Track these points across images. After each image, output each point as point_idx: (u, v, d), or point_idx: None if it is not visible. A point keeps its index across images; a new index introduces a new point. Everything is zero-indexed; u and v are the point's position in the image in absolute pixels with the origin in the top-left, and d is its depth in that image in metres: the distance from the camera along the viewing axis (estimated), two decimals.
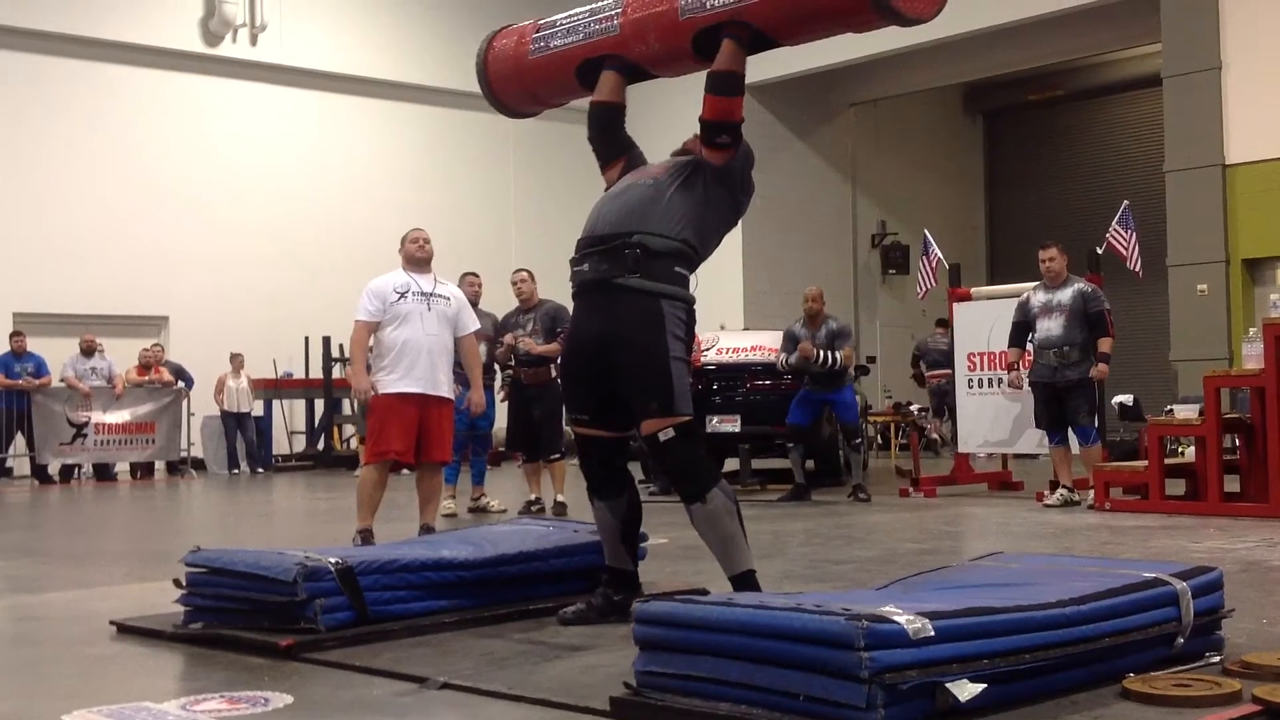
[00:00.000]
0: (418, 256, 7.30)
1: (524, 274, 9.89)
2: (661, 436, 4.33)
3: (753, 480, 11.93)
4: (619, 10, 4.75)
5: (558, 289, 10.69)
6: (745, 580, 4.30)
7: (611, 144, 4.90)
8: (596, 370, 4.46)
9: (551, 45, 4.94)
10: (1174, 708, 3.08)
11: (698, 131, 4.57)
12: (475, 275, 9.89)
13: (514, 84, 5.21)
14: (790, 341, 10.53)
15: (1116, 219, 11.16)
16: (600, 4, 4.86)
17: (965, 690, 2.87)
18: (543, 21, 5.06)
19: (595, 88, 4.86)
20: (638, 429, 4.44)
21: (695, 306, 4.55)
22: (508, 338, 9.73)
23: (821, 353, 10.19)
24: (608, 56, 4.79)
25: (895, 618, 2.87)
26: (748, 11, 4.35)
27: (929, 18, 4.23)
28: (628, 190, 4.58)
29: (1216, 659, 3.54)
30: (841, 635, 2.83)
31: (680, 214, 4.46)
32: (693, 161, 4.57)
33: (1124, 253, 11.00)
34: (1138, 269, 11.14)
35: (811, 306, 10.50)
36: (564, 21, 4.93)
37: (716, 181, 4.54)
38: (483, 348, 8.51)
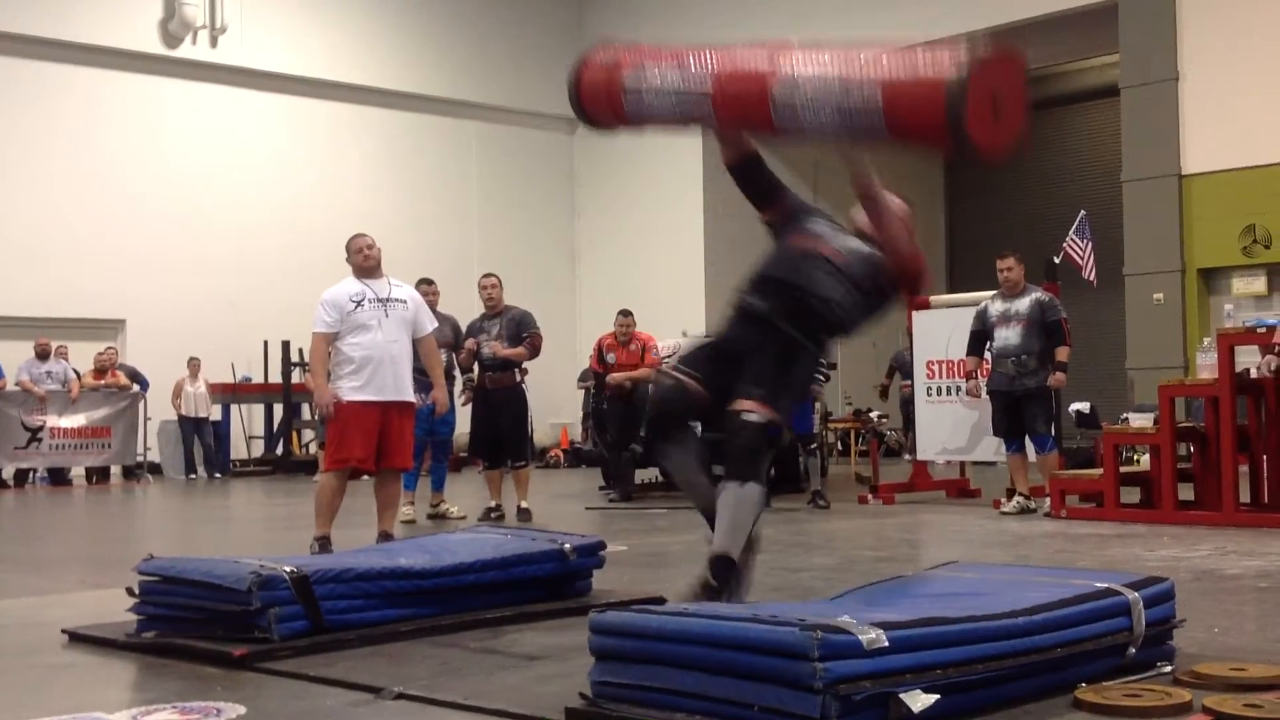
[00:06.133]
0: (365, 266, 7.25)
1: (494, 279, 9.85)
2: (747, 417, 4.29)
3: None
4: (707, 95, 4.66)
5: (521, 294, 10.76)
6: (722, 563, 4.27)
7: (759, 190, 4.88)
8: (744, 347, 4.43)
9: (644, 105, 4.84)
10: (1125, 718, 3.11)
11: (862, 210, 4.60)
12: (430, 283, 9.76)
13: (614, 123, 5.15)
14: None
15: (1073, 229, 11.27)
16: (688, 73, 4.72)
17: (918, 701, 2.88)
18: (629, 76, 4.88)
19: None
20: (731, 405, 4.39)
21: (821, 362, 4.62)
22: (469, 343, 9.71)
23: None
24: None
25: (850, 628, 2.88)
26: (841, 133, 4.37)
27: (1000, 156, 4.25)
28: (813, 247, 4.56)
29: (1168, 669, 3.57)
30: (796, 646, 2.83)
31: (849, 299, 4.48)
32: (878, 265, 4.55)
33: (1080, 262, 11.11)
34: (1093, 278, 11.25)
35: None
36: (652, 79, 4.80)
37: (890, 289, 4.61)
38: (442, 353, 8.46)
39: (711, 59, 4.59)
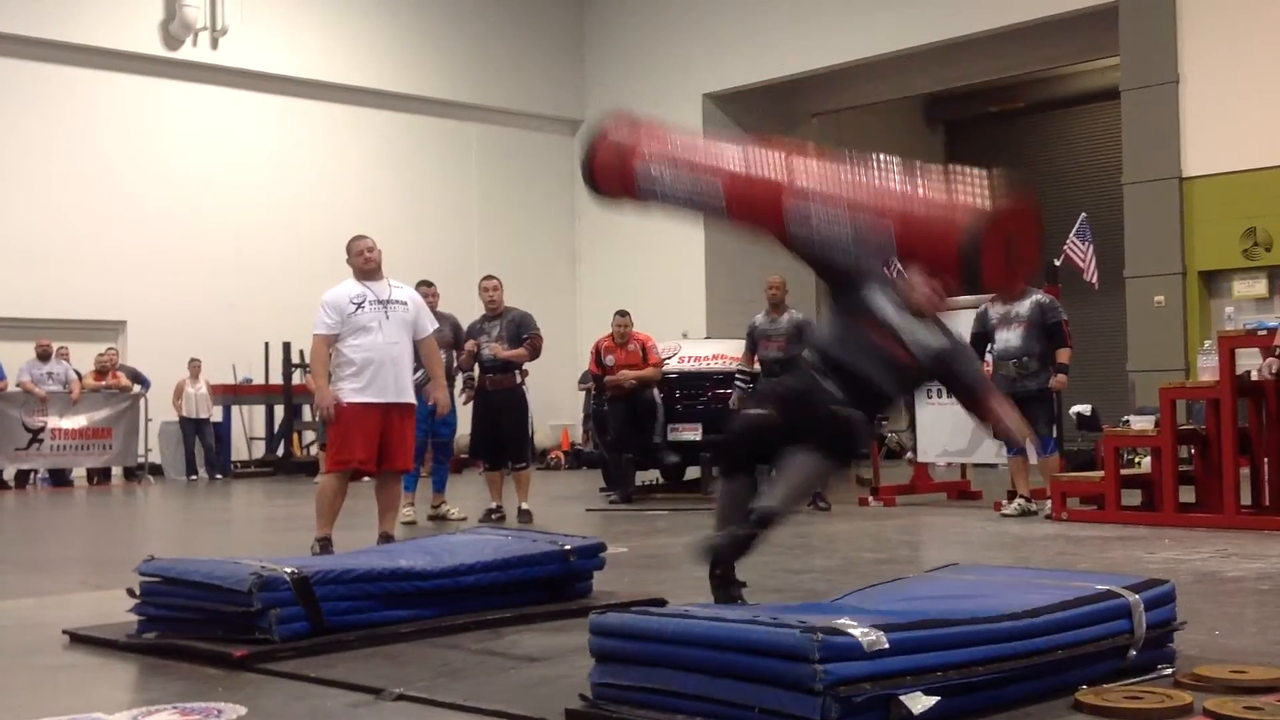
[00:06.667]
0: (366, 268, 7.25)
1: (495, 281, 9.85)
2: (848, 412, 4.43)
3: (714, 489, 11.93)
4: (721, 199, 4.67)
5: (521, 296, 10.75)
6: (767, 519, 4.35)
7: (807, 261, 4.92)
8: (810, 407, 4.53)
9: (657, 194, 4.82)
10: None
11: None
12: (430, 285, 9.73)
13: (624, 202, 5.14)
14: (751, 337, 10.61)
15: (1074, 231, 11.26)
16: (701, 175, 4.71)
17: (918, 703, 2.88)
18: (642, 168, 4.86)
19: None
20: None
21: None
22: (469, 344, 9.71)
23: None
24: None
25: (850, 630, 2.88)
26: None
27: (1010, 292, 4.28)
28: (890, 350, 4.65)
29: (1168, 671, 3.57)
30: (796, 648, 2.84)
31: (913, 391, 4.83)
32: (946, 357, 4.69)
33: (1081, 265, 11.11)
34: (1094, 281, 11.24)
35: (774, 294, 10.56)
36: (665, 176, 4.79)
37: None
38: (441, 354, 8.46)
39: (727, 158, 4.59)
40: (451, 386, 9.87)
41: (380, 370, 7.05)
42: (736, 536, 4.41)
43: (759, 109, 20.92)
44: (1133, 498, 9.33)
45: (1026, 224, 4.23)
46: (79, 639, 4.57)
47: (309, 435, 18.33)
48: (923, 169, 4.31)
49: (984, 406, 4.65)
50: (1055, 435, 9.65)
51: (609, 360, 11.51)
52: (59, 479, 16.00)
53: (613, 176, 4.91)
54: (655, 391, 11.67)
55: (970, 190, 4.09)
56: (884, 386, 4.54)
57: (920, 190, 4.20)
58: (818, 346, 4.74)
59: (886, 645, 2.89)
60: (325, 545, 6.90)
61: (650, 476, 13.07)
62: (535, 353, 9.70)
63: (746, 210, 4.62)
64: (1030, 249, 4.22)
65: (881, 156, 4.39)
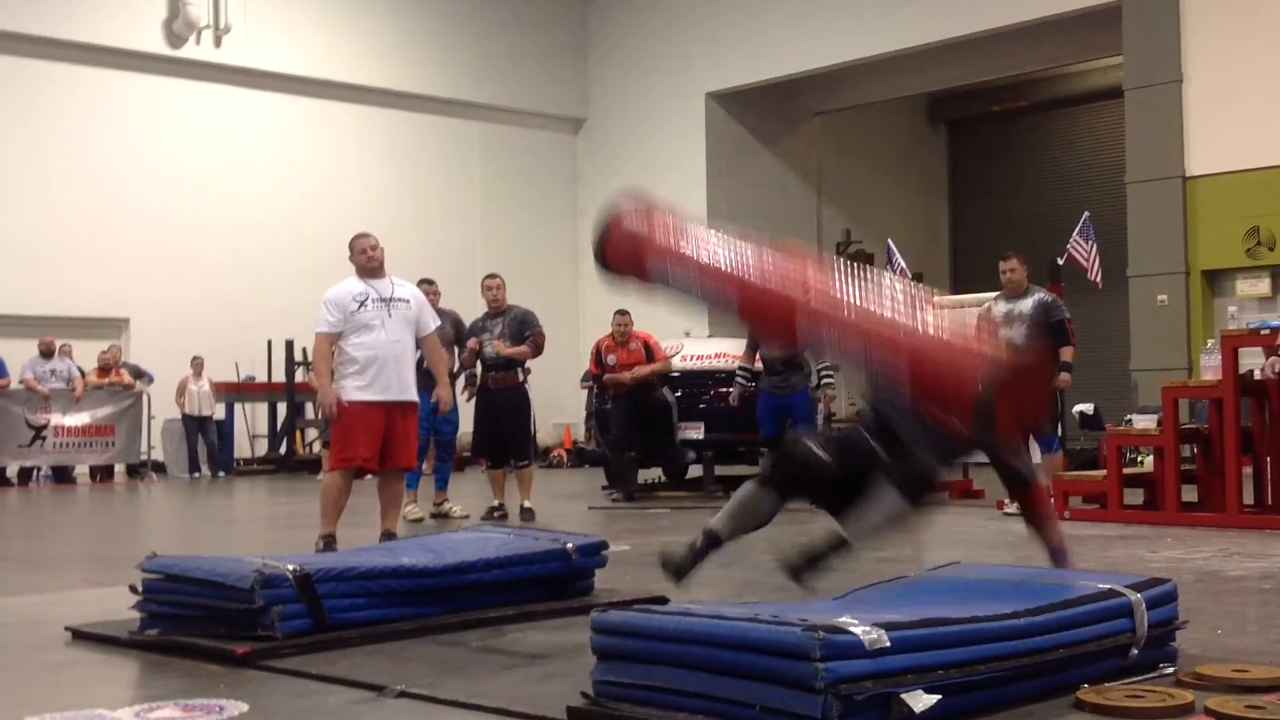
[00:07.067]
0: (369, 267, 7.25)
1: (498, 280, 9.85)
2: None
3: (715, 487, 11.94)
4: (733, 304, 4.69)
5: (524, 294, 10.75)
6: (842, 549, 4.36)
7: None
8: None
9: (669, 286, 4.86)
10: (1127, 719, 3.11)
11: None
12: (432, 283, 9.73)
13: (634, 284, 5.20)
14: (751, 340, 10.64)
15: (1077, 230, 11.25)
16: (712, 280, 4.73)
17: (920, 701, 2.88)
18: (655, 262, 4.89)
19: None
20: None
21: None
22: (471, 342, 9.71)
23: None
24: None
25: (851, 628, 2.88)
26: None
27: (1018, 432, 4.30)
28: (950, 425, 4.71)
29: (1170, 670, 3.57)
30: (797, 646, 2.84)
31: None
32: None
33: (1084, 264, 11.10)
34: (1098, 280, 11.24)
35: None
36: (678, 273, 4.83)
37: None
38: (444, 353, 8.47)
39: (741, 265, 4.59)
40: (452, 383, 9.88)
41: (383, 368, 7.06)
42: (694, 547, 4.47)
43: (761, 108, 20.92)
44: (1135, 497, 9.32)
45: (1037, 380, 4.28)
46: (81, 636, 4.58)
47: (311, 433, 18.34)
48: (938, 302, 4.36)
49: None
50: (1059, 434, 9.64)
51: (610, 360, 11.48)
52: (62, 476, 16.02)
53: (624, 265, 4.97)
54: (667, 391, 11.61)
55: (987, 336, 4.18)
56: (928, 453, 4.54)
57: (936, 328, 4.24)
58: (877, 408, 4.74)
59: (888, 643, 2.89)
60: (330, 542, 6.91)
61: (652, 474, 13.06)
62: (538, 350, 9.71)
63: (758, 320, 4.75)
64: (1038, 395, 4.25)
65: (899, 283, 4.42)
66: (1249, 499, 8.61)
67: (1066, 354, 9.38)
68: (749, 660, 2.93)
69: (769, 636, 2.91)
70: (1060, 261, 10.92)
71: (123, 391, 16.37)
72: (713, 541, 4.55)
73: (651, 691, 3.10)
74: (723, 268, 4.59)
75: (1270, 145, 14.88)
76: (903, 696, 2.88)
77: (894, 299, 4.31)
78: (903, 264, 12.57)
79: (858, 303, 4.33)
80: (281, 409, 18.43)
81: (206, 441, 17.25)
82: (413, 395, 7.24)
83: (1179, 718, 3.12)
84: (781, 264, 4.57)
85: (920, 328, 4.24)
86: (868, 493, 4.36)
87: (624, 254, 4.84)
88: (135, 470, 16.64)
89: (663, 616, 3.22)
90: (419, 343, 7.40)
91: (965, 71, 20.18)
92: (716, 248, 4.65)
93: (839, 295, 4.36)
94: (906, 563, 6.65)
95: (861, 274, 4.42)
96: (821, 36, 19.14)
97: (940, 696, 2.93)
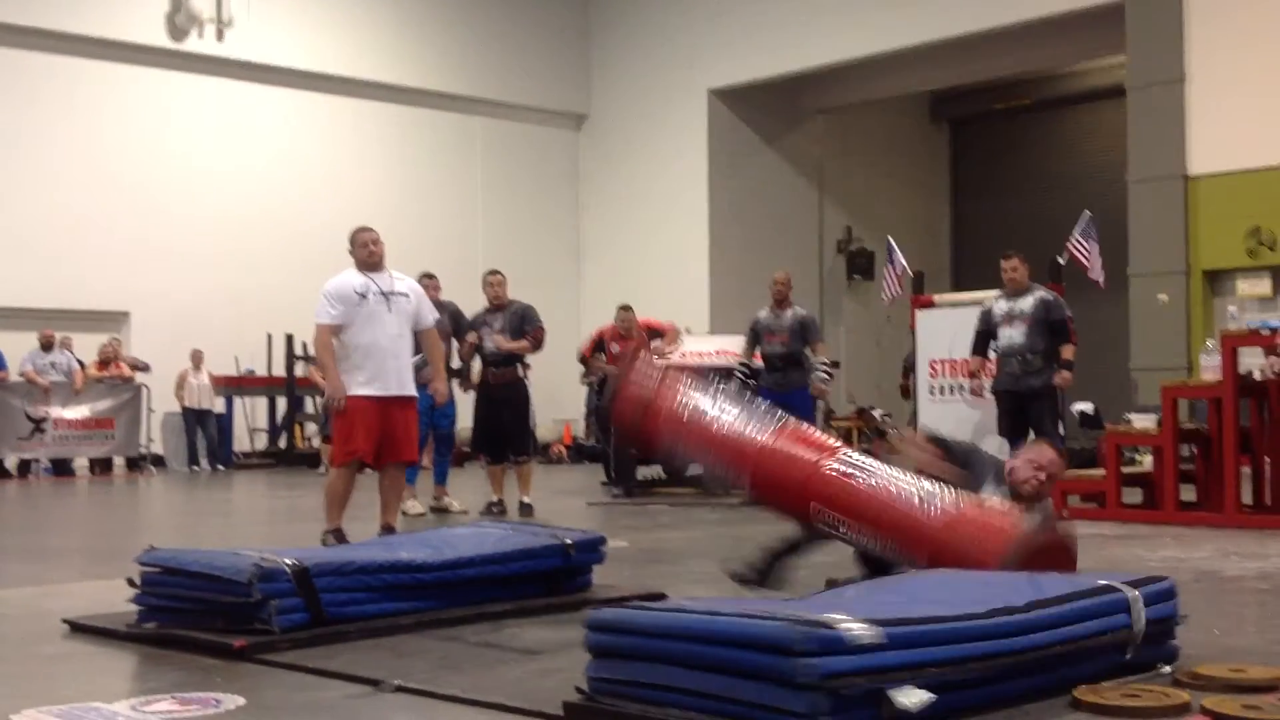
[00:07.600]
0: (370, 261, 7.23)
1: (499, 276, 9.85)
2: None
3: (715, 484, 11.93)
4: (745, 481, 4.81)
5: (525, 290, 10.75)
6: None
7: None
8: None
9: (676, 455, 4.95)
10: (1123, 718, 3.10)
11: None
12: (432, 277, 9.76)
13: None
14: (754, 332, 10.66)
15: (1079, 229, 11.22)
16: (717, 459, 4.81)
17: (912, 698, 2.87)
18: (662, 436, 4.96)
19: None
20: None
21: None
22: (471, 336, 9.71)
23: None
24: None
25: (842, 624, 2.87)
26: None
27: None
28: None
29: (1168, 669, 3.56)
30: (788, 641, 2.83)
31: None
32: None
33: (1085, 263, 11.08)
34: (1099, 279, 11.23)
35: (780, 290, 10.60)
36: (685, 449, 4.90)
37: None
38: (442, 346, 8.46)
39: (750, 446, 4.64)
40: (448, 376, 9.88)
41: (383, 363, 7.06)
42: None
43: (764, 105, 20.92)
44: (1134, 496, 9.32)
45: (1061, 553, 4.27)
46: (79, 628, 4.58)
47: (311, 427, 18.34)
48: (954, 490, 4.37)
49: None
50: (1061, 433, 9.64)
51: (614, 348, 11.46)
52: (61, 469, 16.02)
53: (631, 428, 5.05)
54: None
55: (1003, 516, 4.20)
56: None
57: (951, 513, 4.26)
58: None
59: (881, 639, 2.88)
60: (339, 536, 6.90)
61: (652, 471, 13.06)
62: (538, 345, 9.72)
63: (770, 499, 4.89)
64: (1062, 570, 4.21)
65: (914, 477, 4.44)
66: (1247, 499, 8.61)
67: (1068, 352, 9.38)
68: (739, 656, 2.92)
69: (758, 632, 2.91)
70: (1061, 260, 10.91)
71: (122, 385, 16.38)
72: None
73: (646, 688, 3.10)
74: (732, 446, 4.69)
75: (1272, 145, 14.88)
76: (894, 693, 2.87)
77: (908, 492, 4.37)
78: (903, 262, 12.55)
79: (869, 489, 4.41)
80: (281, 403, 18.44)
81: (206, 435, 17.26)
82: (412, 390, 7.24)
83: (1176, 717, 3.12)
84: (792, 449, 4.67)
85: (937, 512, 4.27)
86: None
87: (631, 421, 4.97)
88: (134, 463, 16.65)
89: (655, 613, 3.22)
90: (417, 336, 7.40)
91: (968, 70, 20.18)
92: (723, 425, 4.74)
93: (850, 483, 4.45)
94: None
95: (875, 458, 4.50)
96: (824, 34, 19.13)
97: (933, 694, 2.91)
